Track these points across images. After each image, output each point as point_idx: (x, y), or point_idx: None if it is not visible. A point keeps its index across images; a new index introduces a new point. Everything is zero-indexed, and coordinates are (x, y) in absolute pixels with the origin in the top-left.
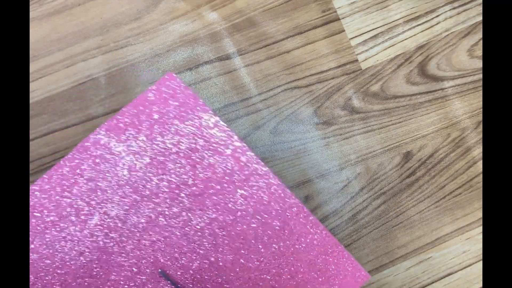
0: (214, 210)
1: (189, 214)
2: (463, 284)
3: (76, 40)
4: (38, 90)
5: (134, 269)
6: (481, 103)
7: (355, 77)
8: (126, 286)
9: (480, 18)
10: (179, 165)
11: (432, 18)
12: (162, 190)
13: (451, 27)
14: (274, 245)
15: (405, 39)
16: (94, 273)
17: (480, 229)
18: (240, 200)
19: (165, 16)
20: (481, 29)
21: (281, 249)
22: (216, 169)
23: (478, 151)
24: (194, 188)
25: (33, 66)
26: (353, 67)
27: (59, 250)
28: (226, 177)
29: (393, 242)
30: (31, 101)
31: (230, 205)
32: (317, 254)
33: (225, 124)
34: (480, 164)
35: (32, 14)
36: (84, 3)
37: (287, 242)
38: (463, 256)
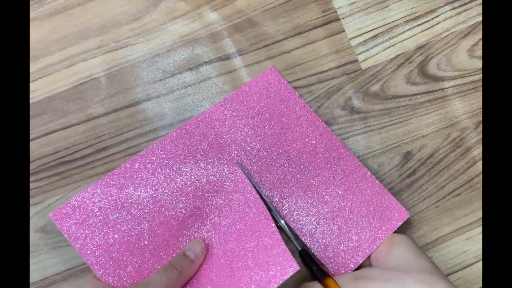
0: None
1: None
2: (463, 284)
3: (76, 40)
4: (38, 90)
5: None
6: (481, 103)
7: (355, 77)
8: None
9: (480, 18)
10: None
11: (432, 18)
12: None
13: (451, 27)
14: (336, 188)
15: (405, 39)
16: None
17: (480, 229)
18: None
19: (165, 16)
20: (481, 29)
21: (338, 191)
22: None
23: (478, 151)
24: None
25: (33, 66)
26: (353, 67)
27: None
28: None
29: None
30: (31, 101)
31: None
32: (371, 194)
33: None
34: (480, 164)
35: (32, 14)
36: (84, 3)
37: (345, 186)
38: (463, 256)
